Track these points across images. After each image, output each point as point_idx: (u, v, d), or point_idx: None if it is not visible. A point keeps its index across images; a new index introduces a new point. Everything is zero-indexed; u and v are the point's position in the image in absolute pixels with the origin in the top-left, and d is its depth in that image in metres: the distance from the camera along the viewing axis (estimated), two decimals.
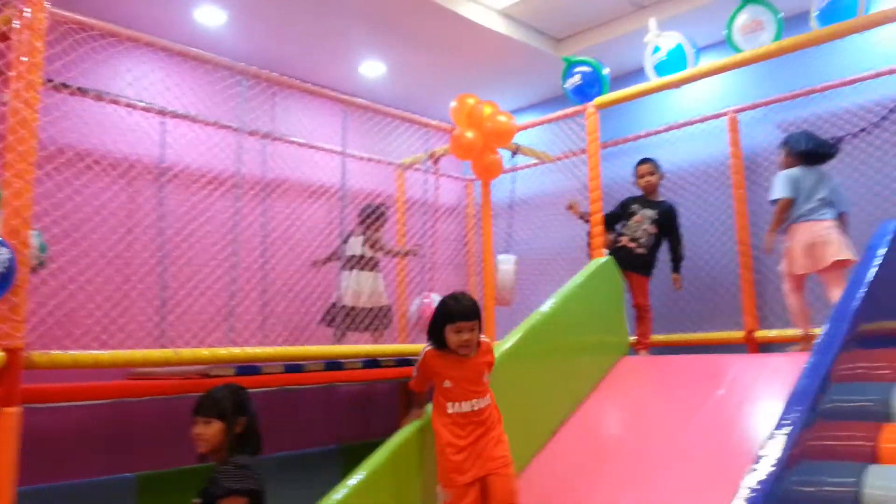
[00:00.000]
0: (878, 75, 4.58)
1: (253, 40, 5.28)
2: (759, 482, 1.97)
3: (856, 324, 2.74)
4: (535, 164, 5.96)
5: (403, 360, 4.71)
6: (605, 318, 4.26)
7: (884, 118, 4.66)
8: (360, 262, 5.10)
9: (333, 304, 4.88)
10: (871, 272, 3.02)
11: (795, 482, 2.09)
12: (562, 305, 3.92)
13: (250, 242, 4.65)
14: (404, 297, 5.72)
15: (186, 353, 3.52)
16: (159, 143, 4.49)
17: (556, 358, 3.81)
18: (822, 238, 3.96)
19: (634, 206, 4.90)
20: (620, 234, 4.85)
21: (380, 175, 5.83)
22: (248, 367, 3.89)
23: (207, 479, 2.53)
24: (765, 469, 2.01)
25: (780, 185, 4.17)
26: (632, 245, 4.76)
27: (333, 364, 4.31)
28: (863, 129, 4.72)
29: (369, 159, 5.67)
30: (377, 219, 5.25)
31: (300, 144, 5.30)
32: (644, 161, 5.01)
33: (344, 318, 4.79)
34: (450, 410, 2.95)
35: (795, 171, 4.17)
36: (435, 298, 5.18)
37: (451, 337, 2.94)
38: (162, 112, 4.46)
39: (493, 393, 3.30)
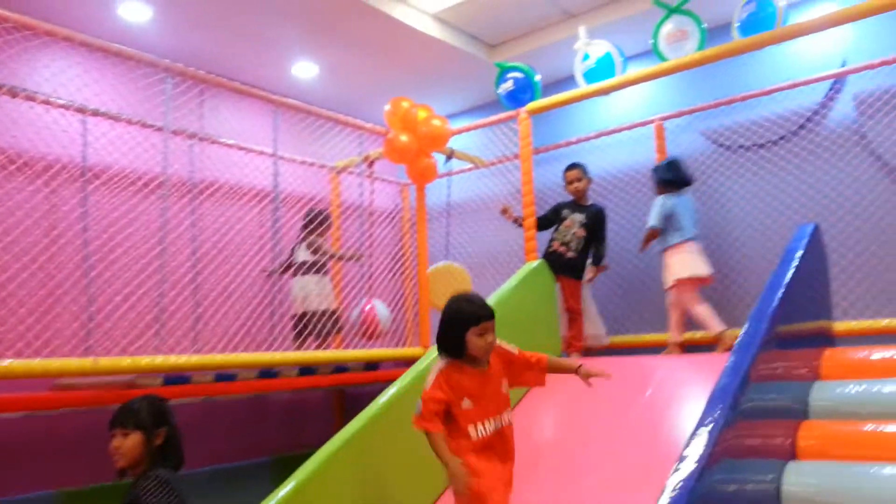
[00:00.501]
0: (794, 86, 4.79)
1: (180, 37, 5.13)
2: (683, 480, 2.01)
3: (774, 325, 2.84)
4: (470, 169, 5.99)
5: (340, 368, 4.65)
6: (538, 321, 4.31)
7: (801, 127, 4.87)
8: (306, 268, 5.08)
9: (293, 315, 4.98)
10: (789, 274, 3.15)
11: (718, 480, 2.14)
12: (495, 308, 3.92)
13: (180, 247, 4.50)
14: (342, 303, 5.65)
15: (106, 362, 3.38)
16: (81, 142, 4.30)
17: None
18: (682, 258, 4.56)
19: (565, 212, 4.96)
20: (552, 239, 4.92)
21: (313, 178, 5.74)
22: (177, 377, 3.77)
23: (127, 495, 2.43)
24: (688, 467, 2.05)
25: (652, 214, 4.71)
26: (562, 249, 4.82)
27: (267, 373, 4.21)
28: (781, 138, 4.92)
29: (302, 162, 5.58)
30: (321, 223, 5.21)
31: (230, 146, 5.17)
32: (572, 167, 5.05)
33: (300, 327, 4.86)
34: (475, 436, 2.55)
35: (665, 199, 4.66)
36: (378, 305, 5.15)
37: (476, 342, 2.57)
38: (82, 110, 4.27)
39: None
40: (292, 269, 5.05)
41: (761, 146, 5.04)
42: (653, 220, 4.66)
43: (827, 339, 3.66)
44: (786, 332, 2.99)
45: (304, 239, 5.19)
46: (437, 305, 5.29)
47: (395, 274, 5.75)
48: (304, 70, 5.85)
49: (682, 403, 3.53)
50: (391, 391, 3.30)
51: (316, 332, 4.83)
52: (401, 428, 3.19)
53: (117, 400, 3.47)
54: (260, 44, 5.35)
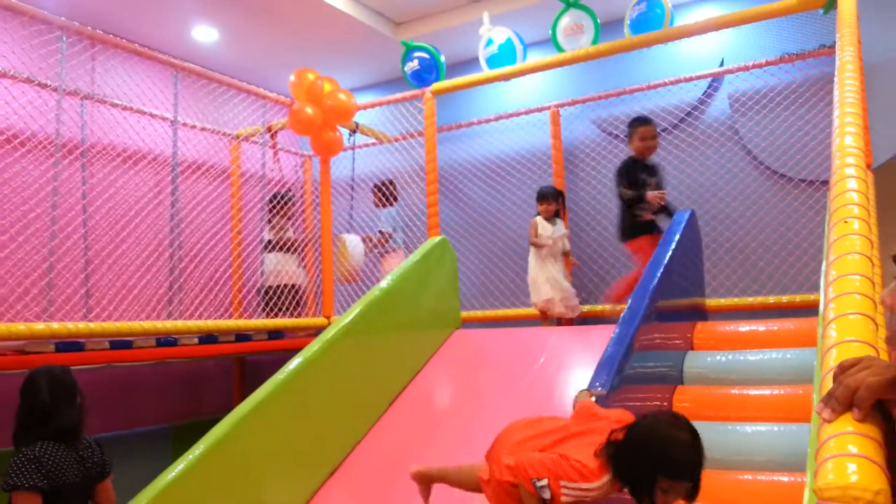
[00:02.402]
0: (676, 82, 5.18)
1: None
2: None
3: (654, 300, 3.16)
4: (374, 144, 6.07)
5: (242, 336, 4.66)
6: (439, 295, 4.48)
7: (681, 120, 5.29)
8: (271, 246, 5.50)
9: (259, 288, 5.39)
10: (668, 255, 3.49)
11: None
12: (399, 282, 4.08)
13: (71, 211, 4.33)
14: (239, 272, 5.61)
15: (0, 327, 3.26)
16: None
17: (394, 332, 3.97)
18: None
19: (643, 176, 4.48)
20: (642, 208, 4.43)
21: (213, 145, 5.63)
22: (70, 344, 3.67)
23: None
24: None
25: None
26: (650, 216, 4.47)
27: (166, 340, 4.17)
28: (664, 129, 5.32)
29: (202, 128, 5.46)
30: (284, 205, 5.58)
31: (125, 108, 4.98)
32: (647, 122, 4.56)
33: (268, 298, 5.25)
34: None
35: None
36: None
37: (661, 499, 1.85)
38: None
39: (333, 366, 3.44)
40: (262, 245, 5.59)
41: None
42: None
43: (700, 314, 4.07)
44: (664, 307, 3.33)
45: (269, 220, 5.60)
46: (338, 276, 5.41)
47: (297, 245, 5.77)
48: (204, 34, 5.69)
49: (571, 370, 3.82)
50: (298, 360, 3.37)
51: (276, 305, 5.23)
52: (307, 396, 3.30)
53: (12, 366, 3.38)
54: (157, 4, 5.16)
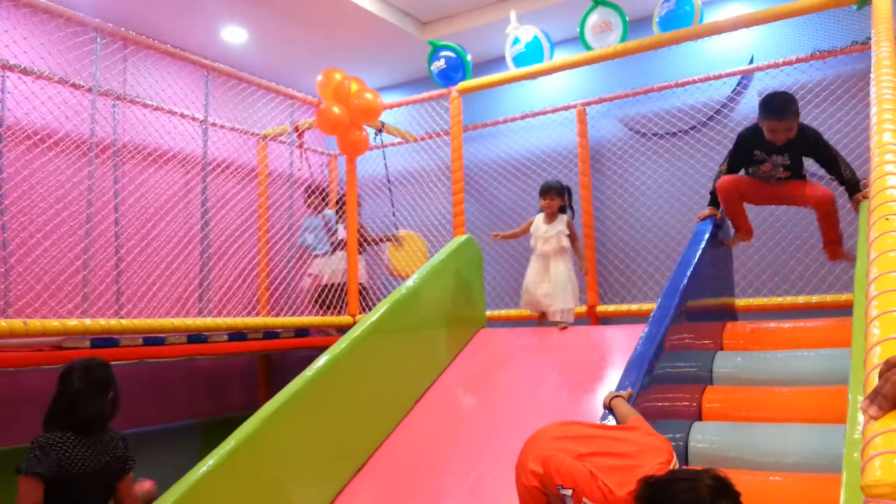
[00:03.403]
0: (706, 79, 5.13)
1: None
2: None
3: (684, 299, 3.14)
4: (399, 143, 6.09)
5: (270, 334, 4.71)
6: (465, 293, 4.48)
7: (710, 118, 5.24)
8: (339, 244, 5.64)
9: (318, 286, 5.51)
10: (697, 254, 3.46)
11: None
12: (424, 281, 4.09)
13: (104, 211, 4.41)
14: (266, 270, 5.65)
15: (35, 323, 3.33)
16: None
17: (419, 330, 3.98)
18: None
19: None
20: None
21: (241, 145, 5.69)
22: (105, 340, 3.73)
23: None
24: None
25: None
26: None
27: (196, 337, 4.22)
28: (692, 128, 5.28)
29: (231, 128, 5.52)
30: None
31: (156, 108, 5.05)
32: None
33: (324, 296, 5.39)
34: None
35: None
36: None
37: None
38: (5, 66, 4.09)
39: (359, 364, 3.46)
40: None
41: (673, 135, 5.39)
42: None
43: (729, 314, 4.03)
44: (694, 307, 3.30)
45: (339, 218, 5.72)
46: (397, 271, 5.46)
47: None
48: (234, 35, 5.76)
49: (599, 370, 3.80)
50: (325, 357, 3.39)
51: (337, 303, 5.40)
52: (334, 393, 3.32)
53: (48, 362, 3.45)
54: (188, 5, 5.23)
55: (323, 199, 5.72)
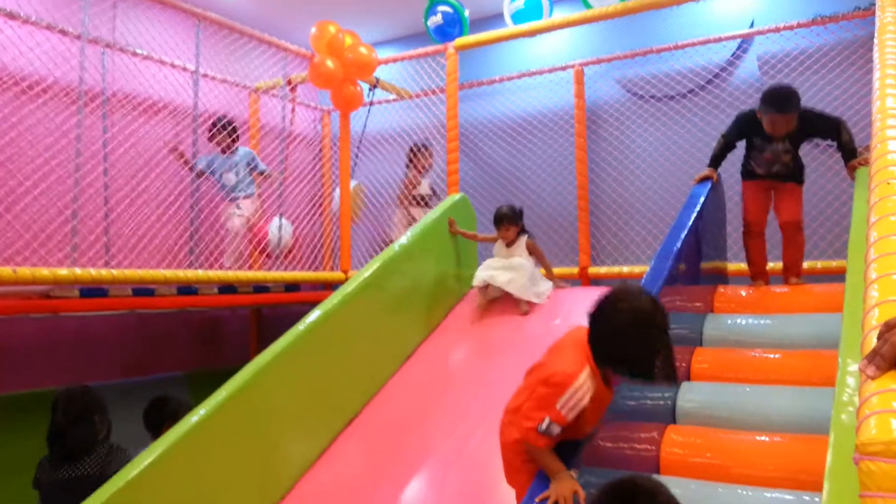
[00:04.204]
0: (705, 42, 5.07)
1: None
2: None
3: (677, 262, 3.14)
4: (394, 100, 6.01)
5: (261, 288, 4.70)
6: (458, 252, 4.48)
7: (708, 82, 5.19)
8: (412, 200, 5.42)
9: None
10: (692, 217, 3.45)
11: (621, 397, 2.40)
12: (418, 239, 4.09)
13: (92, 158, 4.34)
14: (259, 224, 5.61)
15: (25, 272, 3.30)
16: None
17: (411, 288, 3.99)
18: None
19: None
20: None
21: (233, 97, 5.59)
22: (94, 290, 3.71)
23: None
24: None
25: None
26: None
27: (187, 289, 4.21)
28: (690, 91, 5.23)
29: (223, 80, 5.42)
30: (416, 156, 5.47)
31: (146, 58, 4.94)
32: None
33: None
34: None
35: None
36: (273, 224, 5.20)
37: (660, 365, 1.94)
38: None
39: (351, 320, 3.46)
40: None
41: (671, 98, 5.34)
42: None
43: (721, 278, 4.05)
44: (687, 270, 3.31)
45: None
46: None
47: (314, 199, 5.76)
48: None
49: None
50: (317, 312, 3.38)
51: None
52: (325, 348, 3.33)
53: (33, 310, 3.44)
54: None
55: (232, 136, 5.09)
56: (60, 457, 2.81)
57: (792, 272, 3.91)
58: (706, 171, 3.88)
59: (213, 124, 5.05)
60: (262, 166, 5.22)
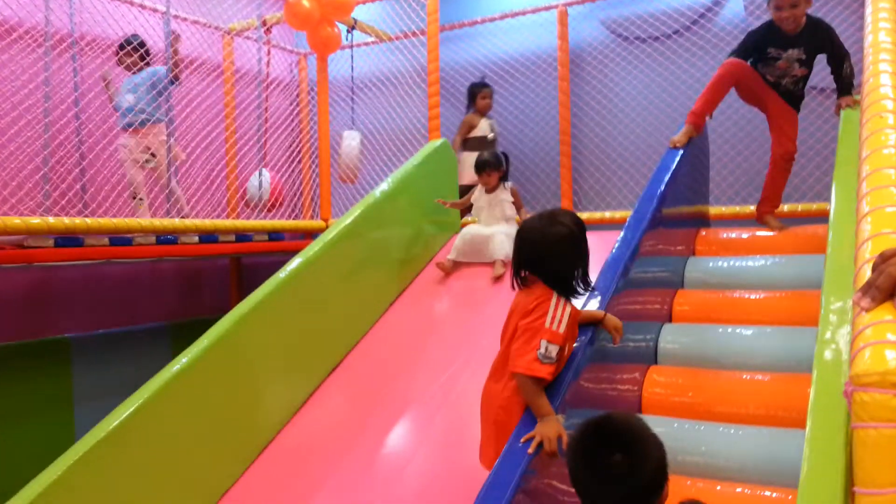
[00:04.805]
0: None
1: None
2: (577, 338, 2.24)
3: (660, 205, 3.12)
4: (373, 42, 5.85)
5: (242, 236, 4.63)
6: (439, 198, 4.41)
7: (693, 22, 5.10)
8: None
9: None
10: (675, 161, 3.43)
11: (604, 338, 2.40)
12: (399, 185, 4.02)
13: (63, 103, 4.20)
14: (235, 172, 5.51)
15: None
16: None
17: (393, 235, 3.94)
18: None
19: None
20: None
21: (205, 39, 5.41)
22: (69, 239, 3.63)
23: None
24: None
25: None
26: None
27: (166, 238, 4.13)
28: (675, 32, 5.14)
29: (194, 21, 5.24)
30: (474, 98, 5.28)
31: None
32: None
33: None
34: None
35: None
36: (254, 177, 5.10)
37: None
38: None
39: (332, 267, 3.42)
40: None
41: (656, 39, 5.25)
42: None
43: (703, 221, 4.05)
44: (669, 214, 3.29)
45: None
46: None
47: (291, 146, 5.66)
48: None
49: None
50: (298, 260, 3.34)
51: None
52: (307, 296, 3.30)
53: (6, 261, 3.36)
54: None
55: (143, 57, 4.53)
56: None
57: (775, 204, 3.86)
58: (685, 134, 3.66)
59: (121, 45, 4.53)
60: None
